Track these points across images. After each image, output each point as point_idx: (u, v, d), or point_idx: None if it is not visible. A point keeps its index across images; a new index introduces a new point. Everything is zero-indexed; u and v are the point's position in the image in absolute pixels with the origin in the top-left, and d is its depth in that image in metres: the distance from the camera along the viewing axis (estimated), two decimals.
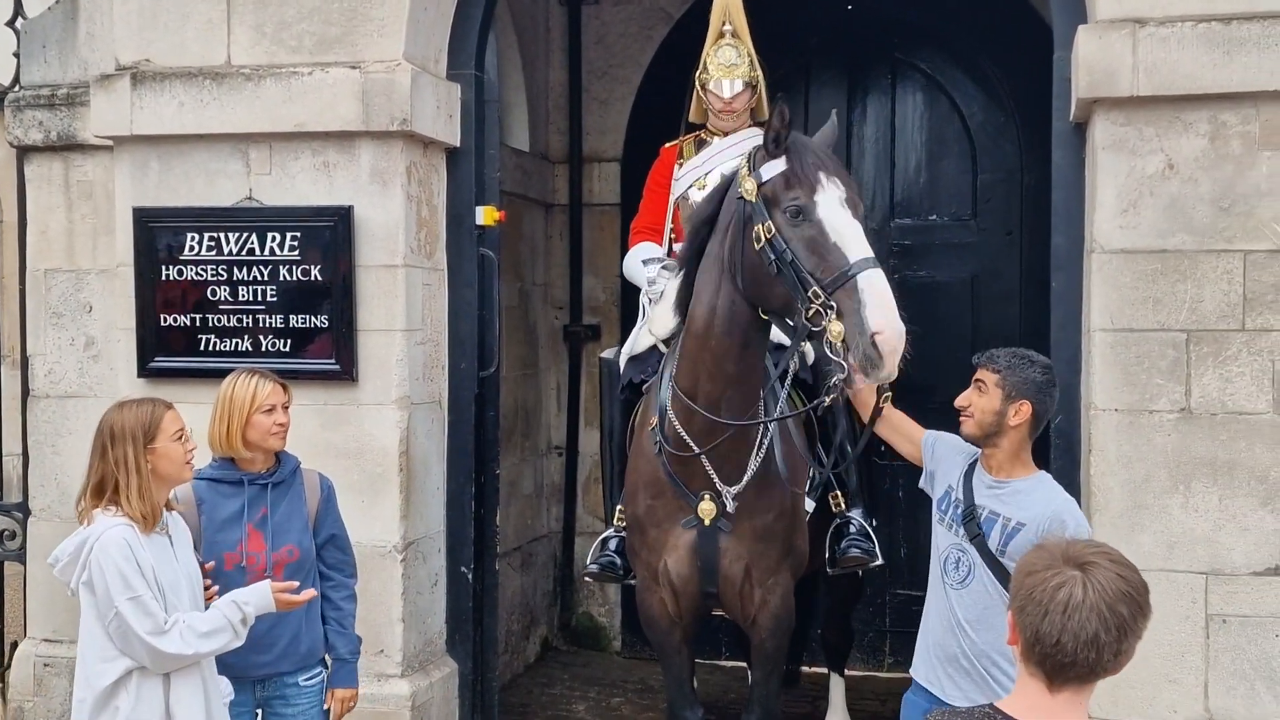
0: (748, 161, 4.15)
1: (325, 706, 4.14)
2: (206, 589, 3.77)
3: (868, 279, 3.73)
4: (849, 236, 3.84)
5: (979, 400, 3.70)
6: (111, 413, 3.68)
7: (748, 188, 4.06)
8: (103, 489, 3.58)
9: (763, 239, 3.98)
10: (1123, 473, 4.58)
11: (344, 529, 4.23)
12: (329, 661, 4.16)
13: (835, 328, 3.75)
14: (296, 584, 3.82)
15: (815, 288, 3.82)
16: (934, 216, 7.38)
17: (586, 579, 5.50)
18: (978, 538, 3.65)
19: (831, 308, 3.76)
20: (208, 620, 3.58)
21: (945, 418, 6.69)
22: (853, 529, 4.94)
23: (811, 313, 3.82)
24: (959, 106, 7.32)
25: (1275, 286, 4.48)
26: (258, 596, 3.70)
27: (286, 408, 4.05)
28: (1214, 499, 4.53)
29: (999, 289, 7.24)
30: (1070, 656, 1.97)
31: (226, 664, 3.83)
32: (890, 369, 3.70)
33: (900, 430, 4.15)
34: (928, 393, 7.09)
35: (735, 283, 4.14)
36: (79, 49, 5.71)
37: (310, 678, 4.08)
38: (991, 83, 7.23)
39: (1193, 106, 4.53)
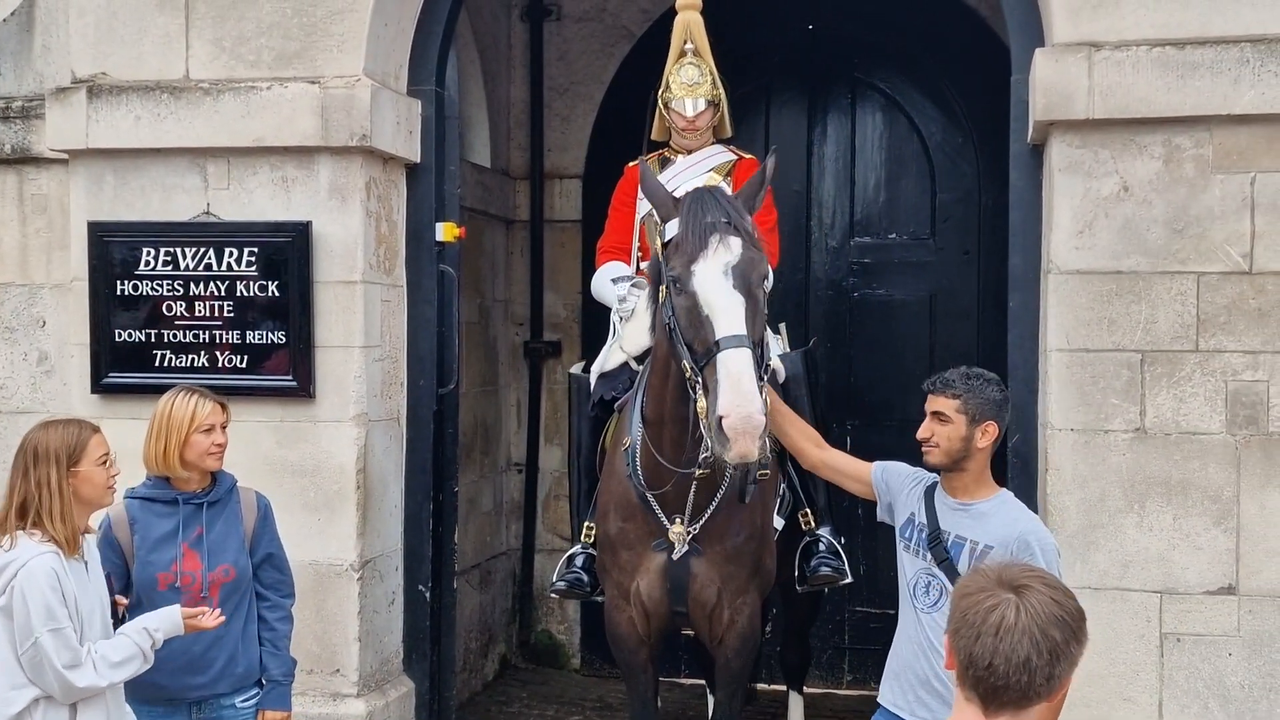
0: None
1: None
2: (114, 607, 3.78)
3: (724, 359, 3.70)
4: (719, 310, 3.79)
5: (942, 429, 3.64)
6: (36, 432, 3.62)
7: (658, 244, 4.06)
8: (26, 510, 3.52)
9: (659, 299, 4.01)
10: (1078, 492, 4.62)
11: (281, 548, 4.18)
12: (263, 682, 4.07)
13: (701, 403, 3.80)
14: (205, 609, 3.78)
15: (688, 360, 3.86)
16: (893, 235, 7.42)
17: (553, 595, 5.47)
18: (945, 562, 3.63)
19: (699, 383, 3.80)
20: (119, 649, 3.56)
21: (905, 434, 6.73)
22: (822, 546, 4.93)
23: (690, 383, 3.87)
24: (918, 127, 7.37)
25: (1228, 308, 4.53)
26: (166, 622, 3.68)
27: (225, 427, 3.99)
28: (1168, 518, 4.57)
29: (956, 307, 7.28)
30: (1002, 679, 1.96)
31: (161, 685, 3.81)
32: (739, 452, 3.65)
33: (845, 471, 4.13)
34: (886, 409, 7.22)
35: None
36: (34, 61, 5.66)
37: (247, 699, 4.03)
38: (950, 104, 7.29)
39: (1147, 129, 4.59)
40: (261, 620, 4.07)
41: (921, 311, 7.34)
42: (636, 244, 5.40)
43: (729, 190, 5.01)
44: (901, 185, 7.41)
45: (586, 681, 7.49)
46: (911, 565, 3.77)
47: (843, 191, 7.45)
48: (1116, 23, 4.61)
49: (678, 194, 5.24)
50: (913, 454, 6.93)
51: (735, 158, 5.35)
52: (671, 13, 5.38)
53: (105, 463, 3.63)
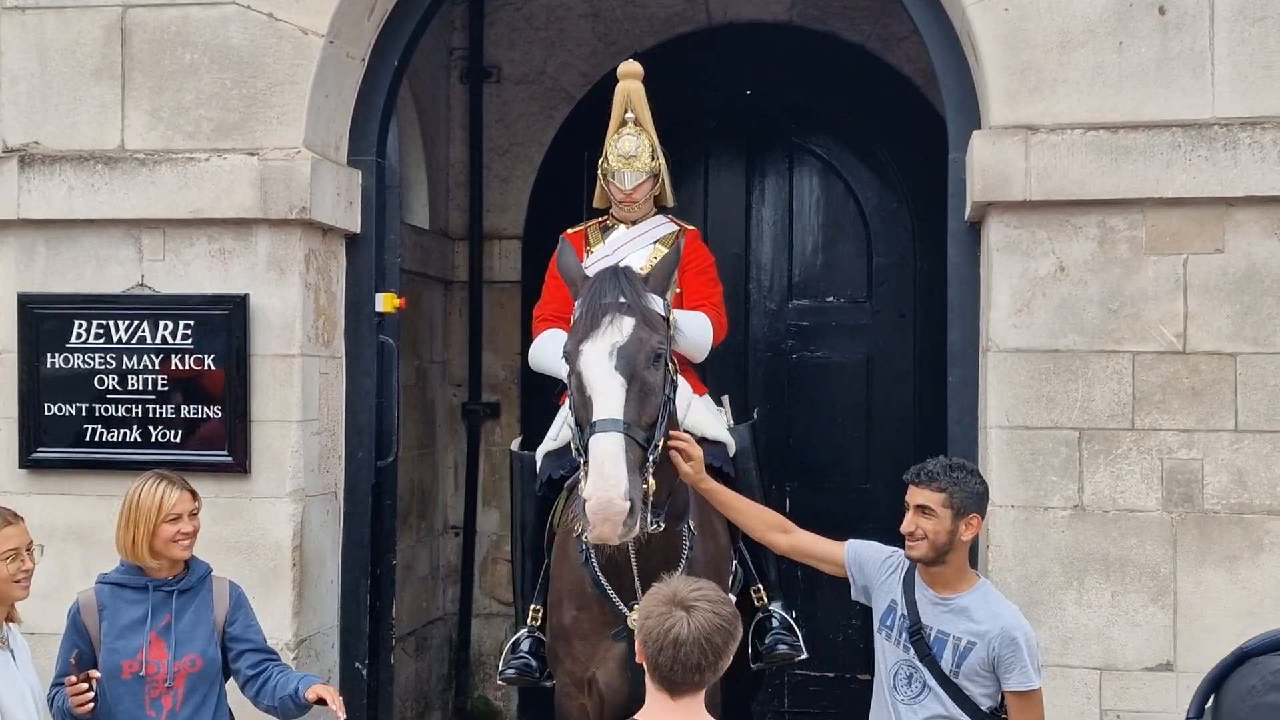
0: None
1: (311, 701, 3.95)
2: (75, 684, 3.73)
3: (594, 442, 3.75)
4: (599, 392, 3.83)
5: (928, 524, 3.60)
6: None
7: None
8: None
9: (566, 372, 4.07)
10: (1019, 569, 4.65)
11: (262, 637, 4.11)
12: (299, 693, 3.93)
13: (582, 484, 3.81)
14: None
15: (575, 440, 3.96)
16: (830, 298, 7.50)
17: (500, 683, 5.38)
18: (928, 658, 3.62)
19: (583, 462, 3.84)
20: None
21: (843, 497, 6.81)
22: (775, 623, 4.88)
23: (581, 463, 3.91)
24: (854, 191, 7.46)
25: (1162, 387, 4.60)
26: None
27: (194, 515, 3.95)
28: (1107, 595, 4.61)
29: (893, 370, 7.37)
30: (681, 678, 2.69)
31: None
32: (600, 535, 3.70)
33: (815, 554, 4.06)
34: (824, 471, 7.25)
35: None
36: None
37: None
38: (885, 169, 7.39)
39: (1082, 211, 4.65)
40: (266, 680, 3.97)
41: (859, 374, 7.41)
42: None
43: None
44: (838, 249, 7.49)
45: None
46: (892, 655, 3.73)
47: (781, 254, 7.52)
48: (1052, 106, 4.69)
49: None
50: (851, 514, 6.95)
51: (678, 229, 5.33)
52: (612, 76, 5.36)
53: (15, 557, 3.57)
